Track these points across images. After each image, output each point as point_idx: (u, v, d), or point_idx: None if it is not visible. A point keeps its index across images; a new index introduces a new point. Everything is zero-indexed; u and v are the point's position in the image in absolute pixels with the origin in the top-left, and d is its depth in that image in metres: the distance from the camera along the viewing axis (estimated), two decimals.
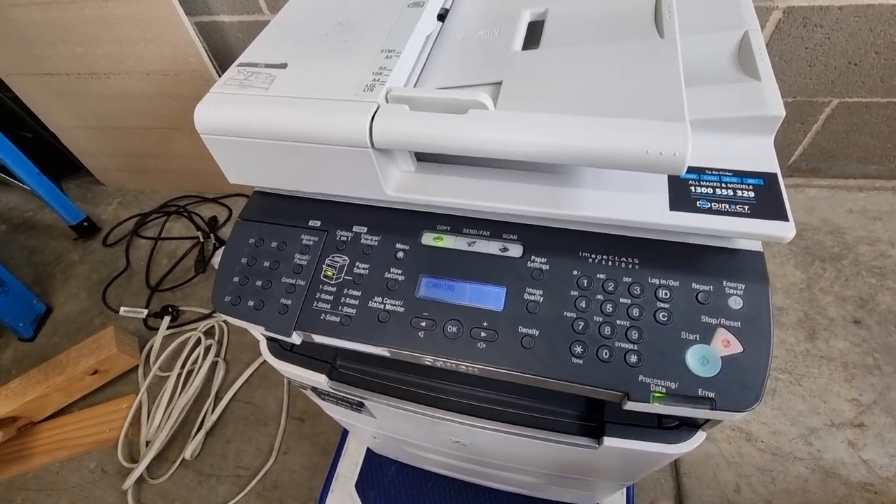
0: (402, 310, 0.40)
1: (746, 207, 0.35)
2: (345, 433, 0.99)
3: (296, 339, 0.42)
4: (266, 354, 0.51)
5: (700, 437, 0.42)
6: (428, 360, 0.39)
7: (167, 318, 1.30)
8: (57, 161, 1.65)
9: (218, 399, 1.18)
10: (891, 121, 1.20)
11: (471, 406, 0.47)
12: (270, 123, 0.38)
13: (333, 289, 0.42)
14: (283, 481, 1.05)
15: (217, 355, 1.25)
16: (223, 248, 0.45)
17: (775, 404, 1.05)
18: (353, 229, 0.44)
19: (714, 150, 0.39)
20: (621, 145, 0.31)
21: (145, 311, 1.36)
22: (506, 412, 0.46)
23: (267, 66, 0.42)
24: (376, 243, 0.43)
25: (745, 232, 0.34)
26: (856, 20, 1.02)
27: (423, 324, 0.39)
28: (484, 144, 0.34)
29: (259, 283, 0.43)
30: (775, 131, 0.38)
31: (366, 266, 0.42)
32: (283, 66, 0.42)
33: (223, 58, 1.38)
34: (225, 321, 1.31)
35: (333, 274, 0.42)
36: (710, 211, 0.35)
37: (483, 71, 0.42)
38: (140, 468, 1.07)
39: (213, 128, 0.40)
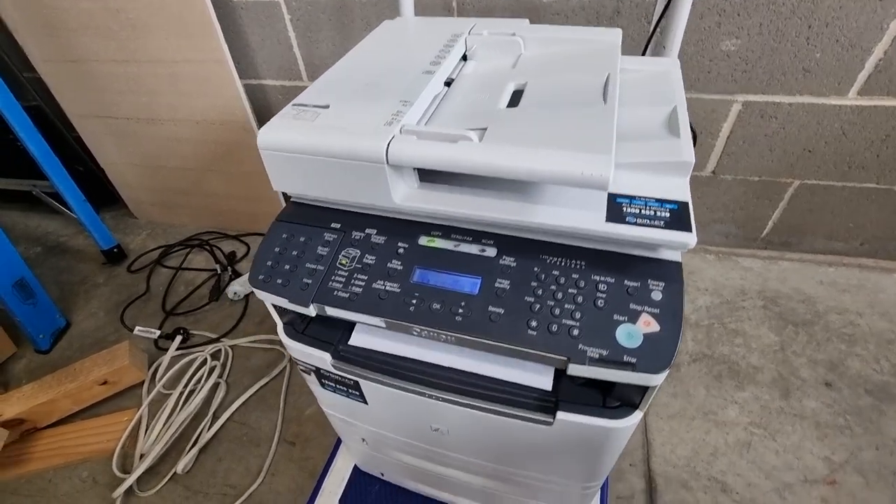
0: (398, 291, 0.51)
1: (662, 223, 0.47)
2: (334, 450, 1.03)
3: (312, 310, 0.52)
4: (282, 335, 0.61)
5: (637, 415, 0.50)
6: (416, 328, 0.49)
7: (178, 338, 1.38)
8: (98, 193, 1.83)
9: (215, 418, 1.23)
10: (848, 203, 1.35)
11: (448, 384, 0.55)
12: (314, 144, 0.51)
13: (346, 273, 0.53)
14: (268, 502, 1.07)
15: (220, 377, 1.32)
16: (261, 241, 0.57)
17: (750, 457, 1.08)
18: (366, 231, 0.56)
19: (644, 185, 0.51)
20: (563, 167, 0.44)
21: (158, 332, 1.44)
22: (476, 391, 0.54)
23: (314, 106, 0.56)
24: (383, 242, 0.55)
25: (658, 238, 0.46)
26: (804, 114, 1.19)
27: (414, 301, 0.50)
28: (468, 163, 0.46)
29: (287, 266, 0.54)
30: (689, 174, 0.51)
31: (373, 258, 0.53)
32: (326, 106, 0.56)
33: (262, 113, 1.59)
34: (232, 346, 1.39)
35: (347, 263, 0.54)
36: (635, 224, 0.47)
37: (475, 120, 0.56)
38: (131, 479, 1.10)
39: (270, 145, 0.53)
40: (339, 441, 1.05)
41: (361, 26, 1.29)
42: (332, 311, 0.52)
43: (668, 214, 0.47)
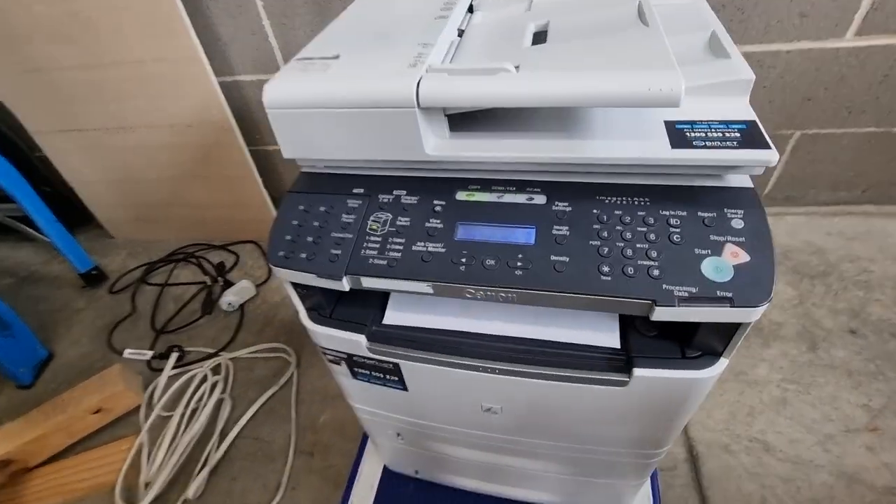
0: (443, 251, 0.45)
1: (735, 143, 0.42)
2: (359, 454, 0.96)
3: (345, 284, 0.46)
4: (306, 322, 0.54)
5: (722, 363, 0.45)
6: (470, 290, 0.43)
7: (174, 356, 1.29)
8: (68, 215, 1.70)
9: (223, 436, 1.14)
10: (849, 150, 1.34)
11: (504, 353, 0.49)
12: (331, 94, 0.45)
13: (379, 239, 0.46)
14: None
15: (223, 392, 1.23)
16: (275, 216, 0.50)
17: (788, 413, 1.05)
18: (394, 193, 0.49)
19: (701, 110, 0.46)
20: (628, 85, 0.38)
21: (150, 353, 1.35)
22: (538, 358, 0.49)
23: (322, 58, 0.50)
24: (415, 202, 0.48)
25: (738, 159, 0.41)
26: (803, 61, 1.18)
27: (464, 260, 0.44)
28: (514, 95, 0.41)
29: (309, 239, 0.48)
30: (749, 92, 0.46)
31: (407, 219, 0.47)
32: (336, 57, 0.50)
33: (240, 112, 1.51)
34: (232, 358, 1.30)
35: (378, 227, 0.47)
36: (705, 147, 0.42)
37: (502, 60, 0.50)
38: None
39: (279, 101, 0.46)
40: (363, 443, 0.98)
41: (340, 6, 1.22)
42: (369, 283, 0.46)
43: (738, 135, 0.43)
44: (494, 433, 0.61)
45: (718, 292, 0.38)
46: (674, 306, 0.38)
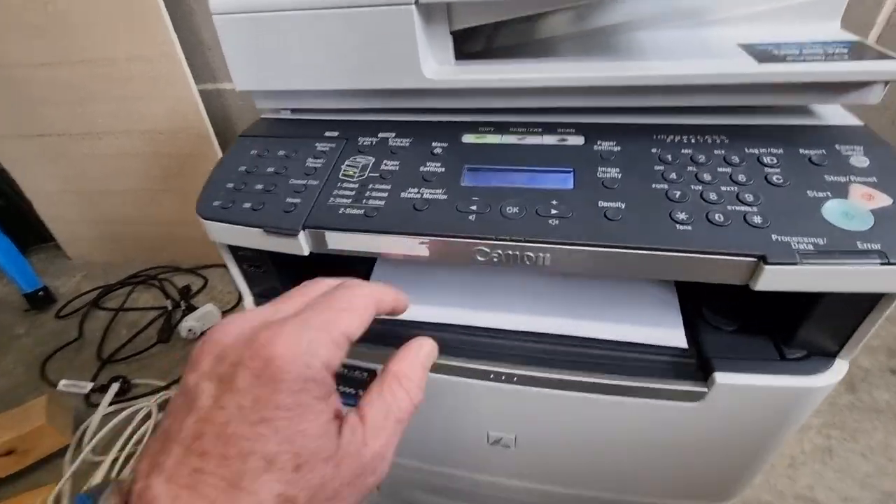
0: (444, 197, 0.32)
1: (845, 56, 0.31)
2: None
3: (302, 242, 0.32)
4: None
5: (840, 367, 0.31)
6: (483, 247, 0.29)
7: (114, 387, 1.10)
8: (23, 232, 1.55)
9: None
10: None
11: (525, 353, 0.35)
12: None
13: (355, 185, 0.33)
14: None
15: None
16: (217, 163, 0.37)
17: (836, 465, 0.89)
18: (379, 135, 0.37)
19: (785, 35, 0.36)
20: None
21: (89, 385, 1.15)
22: (572, 360, 0.34)
23: None
24: (407, 144, 0.36)
25: (852, 71, 0.30)
26: None
27: (473, 207, 0.31)
28: None
29: (260, 186, 0.35)
30: (840, 16, 0.36)
31: (395, 163, 0.35)
32: None
33: (222, 124, 1.41)
34: None
35: (354, 173, 0.34)
36: (803, 61, 0.31)
37: None
38: None
39: (230, 4, 0.35)
40: None
41: None
42: (336, 241, 0.32)
43: (844, 50, 0.32)
44: (502, 478, 0.45)
45: (859, 243, 0.25)
46: (795, 264, 0.25)
